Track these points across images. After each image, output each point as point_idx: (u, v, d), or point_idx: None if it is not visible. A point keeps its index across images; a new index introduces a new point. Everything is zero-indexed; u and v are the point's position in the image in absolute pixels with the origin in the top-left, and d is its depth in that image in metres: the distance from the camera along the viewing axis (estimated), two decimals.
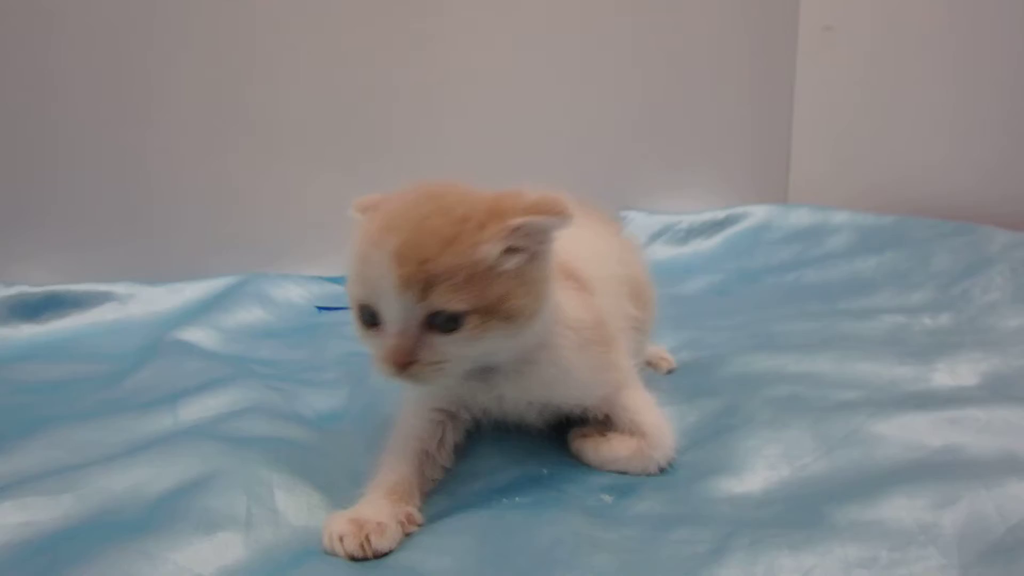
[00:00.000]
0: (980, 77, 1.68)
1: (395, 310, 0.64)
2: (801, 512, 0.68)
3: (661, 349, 1.12)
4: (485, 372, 0.73)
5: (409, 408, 0.80)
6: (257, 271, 1.57)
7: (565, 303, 0.75)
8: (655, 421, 0.80)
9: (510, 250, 0.65)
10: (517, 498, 0.73)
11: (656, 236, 1.83)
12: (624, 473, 0.78)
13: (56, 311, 1.39)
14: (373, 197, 0.73)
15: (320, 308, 0.89)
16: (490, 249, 0.64)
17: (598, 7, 1.88)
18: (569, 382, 0.77)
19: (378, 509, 0.68)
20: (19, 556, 0.63)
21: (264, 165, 1.66)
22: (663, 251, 1.79)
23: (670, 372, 1.09)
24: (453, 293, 0.63)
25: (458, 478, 0.78)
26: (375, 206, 0.70)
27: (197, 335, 1.28)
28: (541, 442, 0.84)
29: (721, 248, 1.77)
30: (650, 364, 1.09)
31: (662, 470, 0.78)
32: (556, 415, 0.82)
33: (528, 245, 0.67)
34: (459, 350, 0.66)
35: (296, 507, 0.71)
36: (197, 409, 0.94)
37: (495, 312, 0.66)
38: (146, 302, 1.44)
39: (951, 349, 1.09)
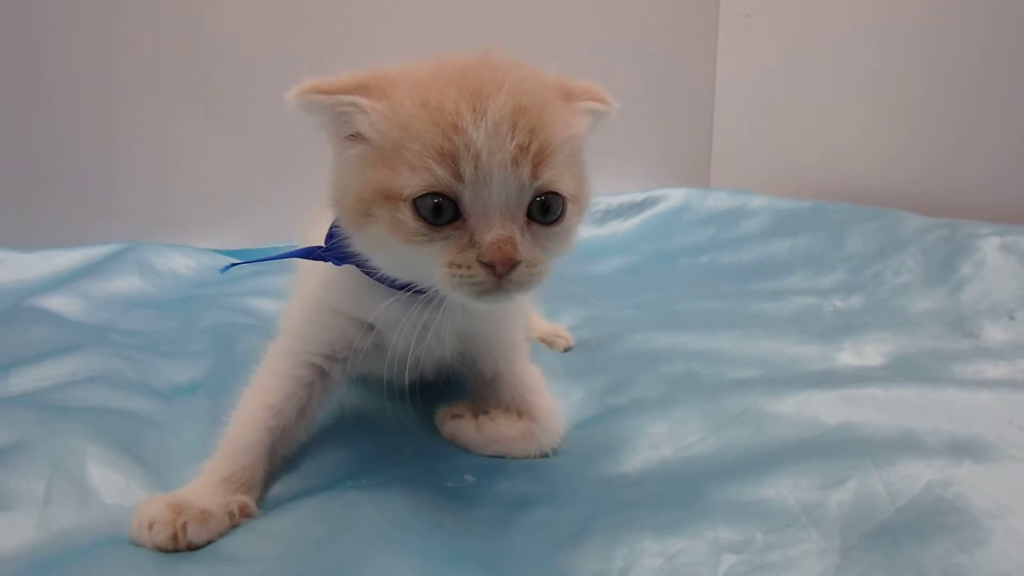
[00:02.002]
0: (893, 65, 1.68)
1: (502, 193, 0.51)
2: (677, 493, 0.62)
3: (558, 327, 1.05)
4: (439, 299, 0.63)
5: (273, 363, 0.68)
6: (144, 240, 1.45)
7: None
8: (547, 404, 0.73)
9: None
10: (364, 480, 0.64)
11: None
12: (502, 456, 0.70)
13: None
14: (355, 74, 0.56)
15: (226, 268, 0.77)
16: (582, 124, 0.57)
17: None
18: (508, 321, 0.72)
19: (206, 495, 0.58)
20: None
21: (157, 132, 1.53)
22: (580, 232, 1.71)
23: (567, 350, 1.02)
24: (563, 172, 0.54)
25: (311, 452, 0.69)
26: (365, 86, 0.55)
27: (59, 303, 1.16)
28: (408, 417, 0.75)
29: (639, 230, 1.71)
30: (544, 342, 1.01)
31: (544, 455, 0.70)
32: (444, 369, 0.75)
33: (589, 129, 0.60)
34: (557, 247, 0.56)
35: (112, 485, 0.62)
36: (32, 378, 0.84)
37: (579, 202, 0.57)
38: (13, 269, 1.30)
39: (859, 329, 1.05)
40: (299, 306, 0.72)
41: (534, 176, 0.52)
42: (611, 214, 1.75)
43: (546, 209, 0.54)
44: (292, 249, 0.70)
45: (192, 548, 0.55)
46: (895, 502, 0.59)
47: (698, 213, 1.69)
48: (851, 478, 0.61)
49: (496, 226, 0.52)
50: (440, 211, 0.52)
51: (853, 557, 0.52)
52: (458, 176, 0.51)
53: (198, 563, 0.53)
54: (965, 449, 0.67)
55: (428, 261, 0.53)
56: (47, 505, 0.58)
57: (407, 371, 0.73)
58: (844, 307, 1.20)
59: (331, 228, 0.65)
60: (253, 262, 0.76)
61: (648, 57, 1.99)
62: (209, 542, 0.56)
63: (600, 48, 1.91)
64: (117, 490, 0.62)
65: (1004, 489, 0.60)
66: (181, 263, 1.42)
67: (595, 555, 0.53)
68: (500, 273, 0.51)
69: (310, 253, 0.66)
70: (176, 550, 0.54)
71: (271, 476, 0.65)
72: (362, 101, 0.54)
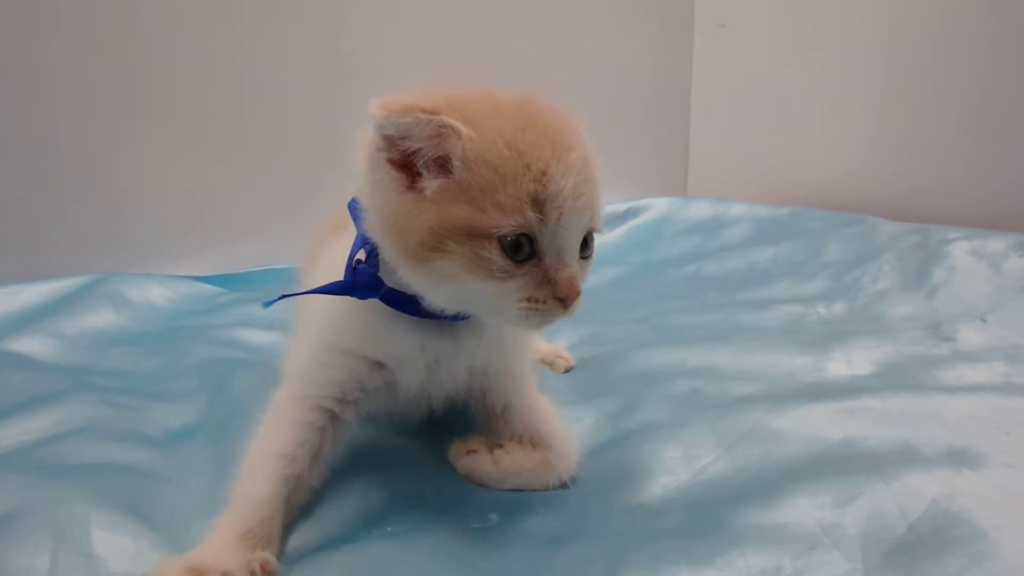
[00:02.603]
0: (866, 73, 1.73)
1: (575, 235, 0.58)
2: (701, 520, 0.64)
3: (558, 347, 1.07)
4: (452, 331, 0.67)
5: (281, 410, 0.67)
6: (114, 271, 1.38)
7: None
8: (560, 431, 0.73)
9: None
10: (389, 527, 0.64)
11: None
12: (520, 489, 0.70)
13: None
14: (430, 95, 0.57)
15: (269, 303, 0.70)
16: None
17: (500, 1, 1.82)
18: (517, 351, 0.75)
19: (225, 555, 0.56)
20: None
21: (125, 151, 1.47)
22: None
23: (568, 371, 1.03)
24: (601, 212, 0.61)
25: (326, 499, 0.67)
26: (459, 110, 0.56)
27: (30, 344, 1.10)
28: (419, 455, 0.76)
29: (623, 241, 1.74)
30: (545, 363, 1.03)
31: (563, 484, 0.71)
32: (452, 403, 0.75)
33: None
34: (587, 275, 0.63)
35: (120, 551, 0.58)
36: (15, 432, 0.79)
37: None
38: None
39: (845, 338, 1.09)
40: (306, 348, 0.70)
41: (591, 218, 0.59)
42: None
43: (585, 245, 0.60)
44: (326, 285, 0.66)
45: None
46: (906, 517, 0.62)
47: (680, 223, 1.73)
48: (862, 495, 0.64)
49: (568, 265, 0.57)
50: (520, 249, 0.56)
51: None
52: (542, 219, 0.55)
53: None
54: (961, 458, 0.71)
55: (504, 295, 0.57)
56: None
57: (417, 407, 0.74)
58: (828, 315, 1.24)
59: (355, 262, 0.64)
60: (289, 296, 0.71)
61: (624, 67, 2.02)
62: None
63: (577, 59, 1.93)
64: (126, 556, 0.58)
65: (1005, 497, 0.64)
66: (156, 293, 1.35)
67: None
68: (567, 305, 0.57)
69: (340, 288, 0.64)
70: None
71: (286, 528, 0.63)
72: (460, 127, 0.55)
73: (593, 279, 1.58)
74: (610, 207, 1.82)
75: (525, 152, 0.55)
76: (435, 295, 0.60)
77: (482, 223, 0.55)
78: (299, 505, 0.65)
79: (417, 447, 0.78)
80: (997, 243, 1.26)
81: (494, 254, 0.55)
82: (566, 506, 0.67)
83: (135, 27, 1.45)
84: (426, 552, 0.59)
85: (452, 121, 0.55)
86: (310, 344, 0.69)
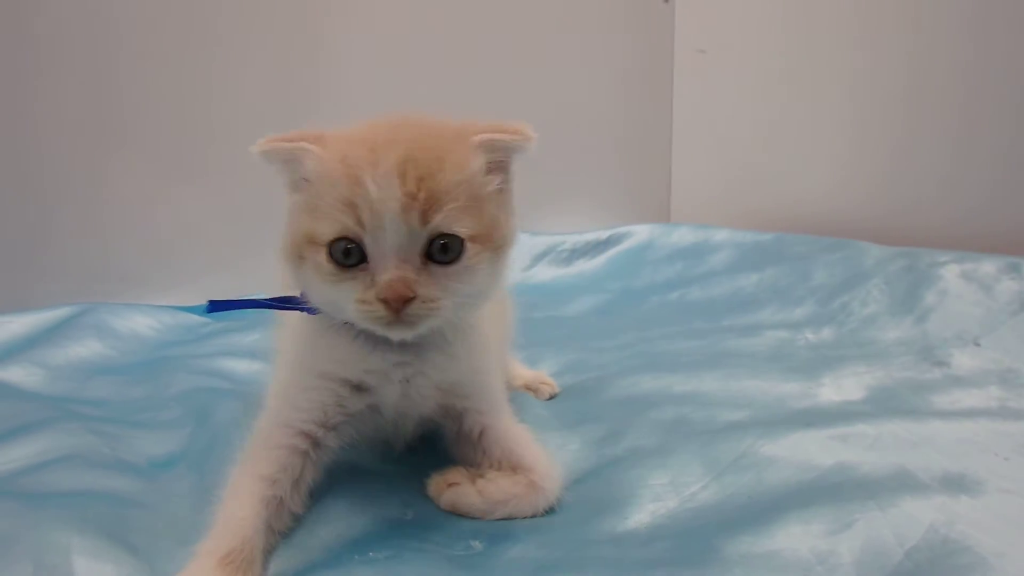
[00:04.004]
0: (848, 98, 1.74)
1: (395, 237, 0.58)
2: (691, 548, 0.61)
3: (541, 374, 1.04)
4: (416, 346, 0.66)
5: (264, 436, 0.67)
6: (100, 301, 1.38)
7: None
8: (539, 452, 0.72)
9: (490, 168, 0.62)
10: (371, 553, 0.62)
11: (539, 257, 1.76)
12: (508, 518, 0.68)
13: None
14: (304, 131, 0.63)
15: (211, 310, 0.76)
16: (477, 163, 0.61)
17: (479, 29, 1.83)
18: (487, 371, 0.74)
19: None
20: None
21: (108, 181, 1.46)
22: (547, 272, 1.72)
23: (552, 398, 1.01)
24: (457, 215, 0.59)
25: (307, 524, 0.66)
26: (319, 138, 0.62)
27: (16, 374, 1.10)
28: (400, 481, 0.74)
29: (605, 268, 1.72)
30: (529, 389, 1.00)
31: (550, 508, 0.69)
32: (427, 426, 0.75)
33: (503, 162, 0.64)
34: (457, 284, 0.61)
35: None
36: None
37: (489, 240, 0.62)
38: None
39: (835, 363, 1.07)
40: (286, 373, 0.71)
41: (425, 221, 0.58)
42: (577, 253, 1.76)
43: (445, 250, 0.59)
44: (274, 297, 0.70)
45: None
46: (903, 544, 0.59)
47: (663, 249, 1.71)
48: (857, 521, 0.62)
49: (391, 268, 0.58)
50: (349, 254, 0.59)
51: None
52: (360, 224, 0.57)
53: None
54: (958, 484, 0.69)
55: (343, 298, 0.60)
56: None
57: (396, 432, 0.73)
58: (816, 340, 1.23)
59: None
60: (238, 306, 0.74)
61: (605, 94, 2.02)
62: None
63: (556, 86, 1.93)
64: None
65: (1004, 524, 0.62)
66: (142, 323, 1.36)
67: None
68: (396, 308, 0.57)
69: (290, 301, 0.66)
70: None
71: (268, 555, 0.62)
72: (311, 147, 0.60)
73: (574, 307, 1.59)
74: (592, 235, 1.81)
75: (347, 160, 0.58)
76: (313, 301, 0.64)
77: (315, 230, 0.59)
78: (281, 532, 0.64)
79: (398, 473, 0.76)
80: (988, 266, 1.25)
81: (323, 259, 0.59)
82: (551, 534, 0.65)
83: (117, 59, 1.45)
84: None
85: (305, 145, 0.60)
86: (290, 368, 0.70)
